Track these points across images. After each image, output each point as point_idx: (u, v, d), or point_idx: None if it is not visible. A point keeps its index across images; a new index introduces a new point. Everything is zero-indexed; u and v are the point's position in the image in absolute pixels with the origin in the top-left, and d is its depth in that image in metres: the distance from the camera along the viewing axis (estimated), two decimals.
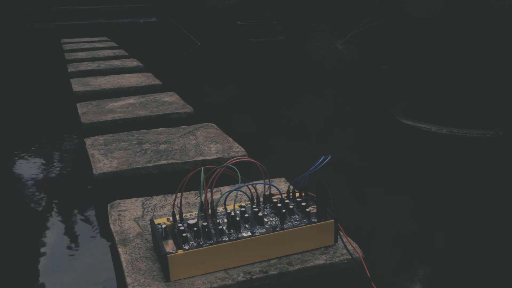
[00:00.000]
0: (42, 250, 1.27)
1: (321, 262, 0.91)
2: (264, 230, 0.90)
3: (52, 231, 1.37)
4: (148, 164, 1.39)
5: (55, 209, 1.50)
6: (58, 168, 1.89)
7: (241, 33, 4.28)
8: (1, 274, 1.18)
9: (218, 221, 0.93)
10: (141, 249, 0.96)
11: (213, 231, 0.89)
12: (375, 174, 1.79)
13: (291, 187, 1.02)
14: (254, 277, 0.86)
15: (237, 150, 1.49)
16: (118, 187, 1.34)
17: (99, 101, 2.13)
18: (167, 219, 0.95)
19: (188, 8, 5.50)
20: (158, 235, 0.90)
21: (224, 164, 0.94)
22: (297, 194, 1.02)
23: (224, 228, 0.91)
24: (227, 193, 0.93)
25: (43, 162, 1.96)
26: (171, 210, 1.11)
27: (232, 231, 0.90)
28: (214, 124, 1.78)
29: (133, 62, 3.26)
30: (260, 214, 0.93)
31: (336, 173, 1.71)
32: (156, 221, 0.95)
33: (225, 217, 0.95)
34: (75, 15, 5.23)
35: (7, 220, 1.47)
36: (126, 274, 0.88)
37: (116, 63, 3.24)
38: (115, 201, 1.17)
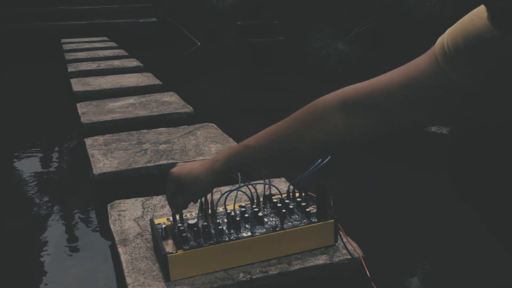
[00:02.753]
0: (42, 250, 1.27)
1: (321, 262, 0.91)
2: (264, 230, 0.90)
3: (52, 231, 1.37)
4: (148, 164, 1.39)
5: (55, 209, 1.50)
6: (58, 168, 1.89)
7: (241, 33, 4.28)
8: (1, 274, 1.18)
9: (218, 221, 0.93)
10: (141, 249, 0.96)
11: (213, 231, 0.89)
12: (375, 174, 1.79)
13: (291, 187, 1.02)
14: (254, 277, 0.86)
15: None
16: (118, 187, 1.34)
17: (99, 101, 2.13)
18: (167, 219, 0.95)
19: (188, 8, 5.50)
20: (158, 235, 0.90)
21: None
22: (297, 194, 1.02)
23: (224, 228, 0.91)
24: (227, 193, 0.93)
25: (43, 162, 1.96)
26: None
27: (232, 231, 0.90)
28: (214, 124, 1.77)
29: (133, 62, 3.26)
30: (260, 214, 0.93)
31: (336, 173, 1.71)
32: (156, 221, 0.95)
33: (225, 217, 0.95)
34: (75, 15, 5.23)
35: (7, 220, 1.47)
36: (126, 274, 0.88)
37: (116, 63, 3.24)
38: (115, 201, 1.17)
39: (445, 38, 0.63)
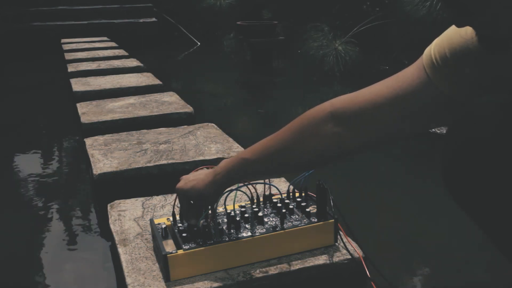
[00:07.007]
0: (42, 250, 1.27)
1: (321, 262, 0.91)
2: (264, 230, 0.90)
3: (52, 231, 1.37)
4: (148, 164, 1.39)
5: (55, 209, 1.50)
6: (58, 168, 1.89)
7: (241, 33, 4.28)
8: (1, 274, 1.18)
9: (218, 221, 0.93)
10: (141, 249, 0.96)
11: (213, 231, 0.89)
12: (375, 174, 1.79)
13: (291, 187, 1.02)
14: (254, 277, 0.86)
15: (237, 150, 1.49)
16: (118, 187, 1.34)
17: (99, 101, 2.13)
18: (167, 219, 0.96)
19: (188, 8, 5.51)
20: (158, 235, 0.90)
21: None
22: (297, 194, 1.02)
23: (224, 228, 0.91)
24: (227, 193, 0.93)
25: (43, 162, 1.96)
26: (171, 210, 1.10)
27: (232, 231, 0.90)
28: (214, 124, 1.78)
29: (133, 62, 3.26)
30: (260, 214, 0.93)
31: (336, 173, 1.71)
32: (156, 221, 0.95)
33: (225, 217, 0.95)
34: (75, 15, 5.23)
35: (7, 220, 1.47)
36: (126, 274, 0.88)
37: (116, 63, 3.24)
38: (115, 201, 1.17)
39: (432, 49, 0.63)
